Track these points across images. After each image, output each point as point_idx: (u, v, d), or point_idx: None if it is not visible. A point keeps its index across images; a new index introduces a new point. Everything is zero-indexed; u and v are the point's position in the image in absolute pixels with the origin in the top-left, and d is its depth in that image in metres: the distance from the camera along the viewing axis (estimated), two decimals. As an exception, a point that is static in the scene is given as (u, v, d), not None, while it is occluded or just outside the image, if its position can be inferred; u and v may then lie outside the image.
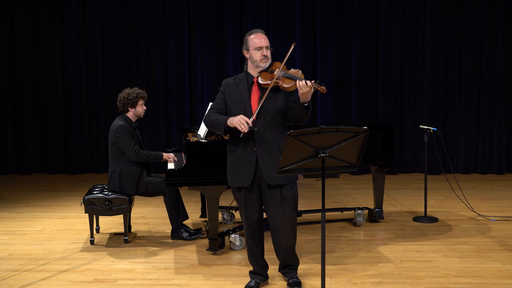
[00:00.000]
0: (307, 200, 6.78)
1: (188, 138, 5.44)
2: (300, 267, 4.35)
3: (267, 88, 3.91)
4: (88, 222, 5.32)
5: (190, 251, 5.06)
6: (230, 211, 5.90)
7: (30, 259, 4.89)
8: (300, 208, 5.71)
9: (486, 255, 4.91)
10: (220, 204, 5.08)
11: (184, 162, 4.97)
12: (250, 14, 8.51)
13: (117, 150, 5.28)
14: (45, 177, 8.54)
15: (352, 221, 5.92)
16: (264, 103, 3.93)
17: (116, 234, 5.61)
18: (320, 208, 3.67)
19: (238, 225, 5.36)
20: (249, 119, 3.84)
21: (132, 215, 5.97)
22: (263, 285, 4.26)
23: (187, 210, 5.48)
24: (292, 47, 3.89)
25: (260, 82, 3.96)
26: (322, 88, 3.70)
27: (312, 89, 3.71)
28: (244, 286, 4.20)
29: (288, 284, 4.20)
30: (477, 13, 8.48)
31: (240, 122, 3.81)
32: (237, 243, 5.07)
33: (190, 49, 8.64)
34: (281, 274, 4.33)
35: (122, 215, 5.27)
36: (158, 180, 5.34)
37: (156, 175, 5.52)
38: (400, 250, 5.06)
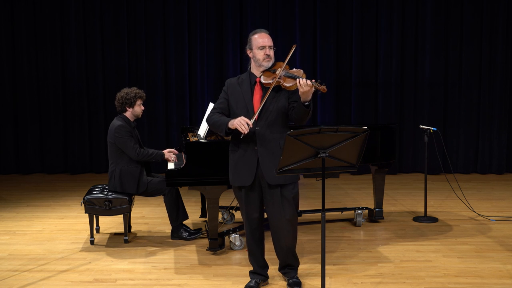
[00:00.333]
0: (307, 200, 6.78)
1: (188, 138, 5.44)
2: (300, 267, 4.35)
3: (269, 88, 3.92)
4: (88, 222, 5.32)
5: (190, 251, 5.06)
6: (230, 211, 5.90)
7: (30, 259, 4.89)
8: (300, 208, 5.68)
9: (486, 255, 4.91)
10: (220, 204, 5.08)
11: (184, 162, 4.97)
12: (250, 14, 8.51)
13: (117, 150, 5.28)
14: (45, 177, 8.54)
15: (352, 221, 5.92)
16: (266, 103, 3.94)
17: (116, 234, 5.61)
18: (320, 208, 3.67)
19: (238, 225, 5.36)
20: (250, 119, 3.85)
21: (132, 215, 5.97)
22: (263, 285, 4.26)
23: (187, 210, 5.48)
24: (293, 48, 3.91)
25: (263, 81, 3.97)
26: (323, 88, 3.70)
27: (313, 88, 3.72)
28: (244, 286, 4.21)
29: (288, 284, 4.20)
30: (477, 13, 8.48)
31: (240, 123, 3.81)
32: (237, 243, 5.07)
33: (190, 49, 8.64)
34: (281, 274, 4.34)
35: (122, 215, 5.27)
36: (158, 180, 5.34)
37: (156, 175, 5.52)
38: (400, 250, 5.06)
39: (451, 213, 6.31)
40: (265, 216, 4.20)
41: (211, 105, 5.48)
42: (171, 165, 5.28)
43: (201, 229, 5.51)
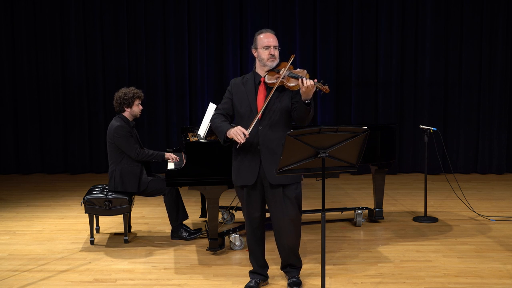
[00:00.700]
0: (307, 200, 6.77)
1: (188, 138, 5.44)
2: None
3: (272, 87, 3.93)
4: (88, 222, 5.32)
5: (190, 251, 5.06)
6: (230, 211, 5.90)
7: (30, 259, 4.89)
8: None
9: (486, 255, 4.91)
10: (220, 204, 5.08)
11: (184, 162, 4.97)
12: (250, 14, 8.50)
13: (116, 150, 5.27)
14: (45, 177, 8.54)
15: (352, 221, 5.92)
16: (269, 103, 3.95)
17: (116, 234, 5.61)
18: (320, 208, 3.67)
19: (238, 225, 5.36)
20: (251, 123, 3.87)
21: (132, 215, 5.96)
22: (263, 285, 4.26)
23: (187, 210, 5.48)
24: (292, 59, 3.93)
25: (267, 81, 3.99)
26: (325, 88, 3.72)
27: (315, 88, 3.73)
28: (244, 286, 4.21)
29: (288, 284, 4.21)
30: (477, 13, 8.48)
31: (236, 133, 3.84)
32: (237, 243, 5.07)
33: (190, 49, 8.64)
34: (283, 273, 4.34)
35: (122, 215, 5.27)
36: (158, 180, 5.34)
37: (156, 175, 5.52)
38: (400, 250, 5.06)
39: (451, 213, 6.31)
40: (267, 215, 4.20)
41: (211, 105, 5.48)
42: (171, 165, 5.27)
43: (201, 229, 5.51)
